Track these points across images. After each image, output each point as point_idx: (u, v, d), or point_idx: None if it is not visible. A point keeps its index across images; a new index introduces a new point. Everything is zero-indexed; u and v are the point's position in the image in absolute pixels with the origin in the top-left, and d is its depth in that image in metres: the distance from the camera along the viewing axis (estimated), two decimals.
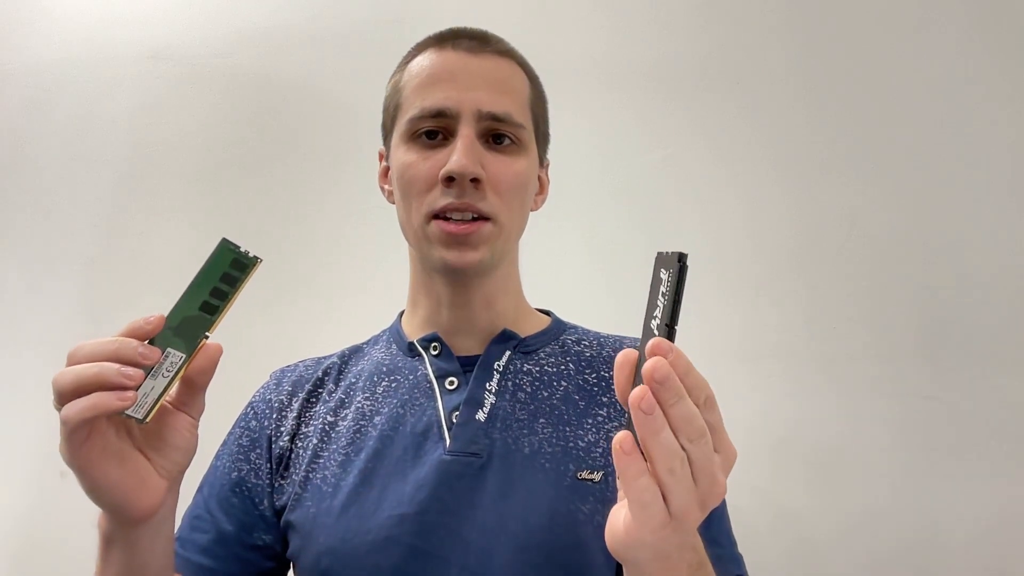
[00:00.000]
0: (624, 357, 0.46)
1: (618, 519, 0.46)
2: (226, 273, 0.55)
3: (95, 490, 0.53)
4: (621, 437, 0.43)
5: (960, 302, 1.20)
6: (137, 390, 0.52)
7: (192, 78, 1.50)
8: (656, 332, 0.45)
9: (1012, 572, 1.12)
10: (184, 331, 0.54)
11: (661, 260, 0.45)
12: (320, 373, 0.79)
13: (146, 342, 0.52)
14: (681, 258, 0.44)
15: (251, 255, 0.56)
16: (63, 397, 0.50)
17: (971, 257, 1.21)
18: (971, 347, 1.18)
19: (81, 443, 0.50)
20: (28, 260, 1.48)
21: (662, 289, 0.45)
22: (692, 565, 0.49)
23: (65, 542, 1.32)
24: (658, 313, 0.45)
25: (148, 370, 0.52)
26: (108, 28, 1.54)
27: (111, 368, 0.50)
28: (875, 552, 1.15)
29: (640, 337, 0.47)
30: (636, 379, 0.45)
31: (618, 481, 0.49)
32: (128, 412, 0.52)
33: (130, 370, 0.50)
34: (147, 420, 0.53)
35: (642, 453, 0.44)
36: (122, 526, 0.56)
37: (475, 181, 0.68)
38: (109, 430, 0.53)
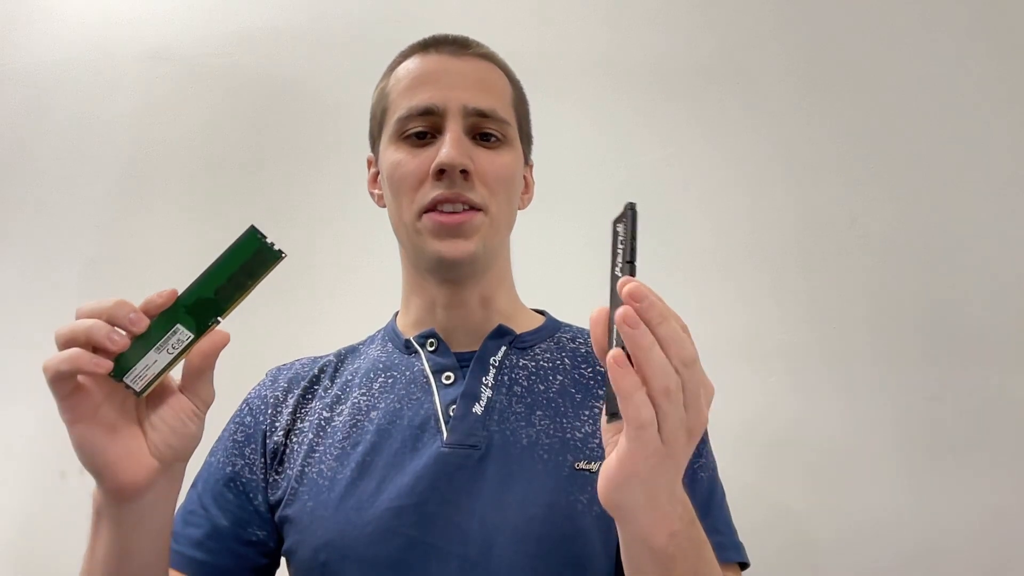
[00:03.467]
0: (598, 313, 0.47)
1: (611, 459, 0.47)
2: (248, 262, 0.55)
3: (78, 448, 0.53)
4: (614, 352, 0.43)
5: (963, 302, 1.20)
6: (138, 362, 0.52)
7: (192, 78, 1.50)
8: (619, 274, 0.47)
9: (1013, 571, 1.12)
10: (196, 311, 0.54)
11: (615, 220, 0.49)
12: (316, 370, 0.79)
13: (159, 315, 0.53)
14: (631, 205, 0.48)
15: (276, 248, 0.55)
16: (57, 347, 0.51)
17: (974, 257, 1.21)
18: (973, 347, 1.18)
19: (64, 396, 0.51)
20: (28, 260, 1.48)
21: (620, 239, 0.48)
22: (684, 519, 0.49)
23: (65, 542, 1.31)
24: (619, 260, 0.47)
25: (152, 344, 0.52)
26: (108, 28, 1.54)
27: (101, 327, 0.50)
28: (876, 551, 1.15)
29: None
30: (611, 334, 0.46)
31: (604, 422, 0.49)
32: (127, 382, 0.52)
33: (116, 334, 0.51)
34: (144, 393, 0.53)
35: None
36: (108, 499, 0.56)
37: (464, 173, 0.69)
38: (98, 392, 0.52)
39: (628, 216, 0.48)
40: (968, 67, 1.26)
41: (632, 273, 0.46)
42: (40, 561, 1.36)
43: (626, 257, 0.47)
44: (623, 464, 0.45)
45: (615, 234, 0.49)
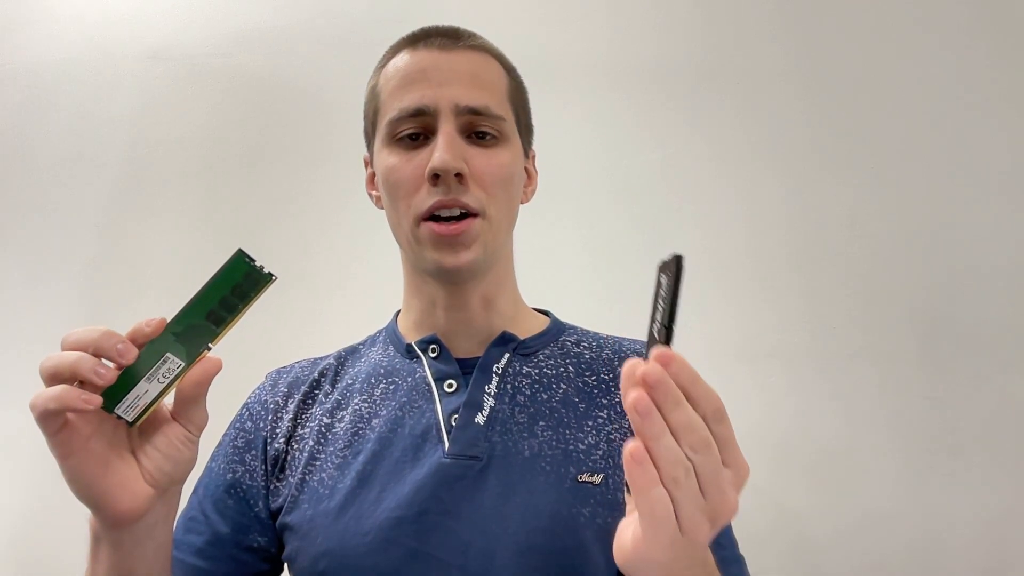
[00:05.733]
0: (630, 368, 0.45)
1: (626, 534, 0.45)
2: (238, 285, 0.53)
3: (71, 482, 0.51)
4: (632, 447, 0.42)
5: (959, 302, 1.20)
6: (129, 392, 0.51)
7: (192, 78, 1.50)
8: (656, 335, 0.45)
9: (1011, 571, 1.12)
10: (187, 339, 0.53)
11: (661, 267, 0.46)
12: (316, 374, 0.78)
13: (148, 344, 0.52)
14: (678, 260, 0.44)
15: (265, 271, 0.54)
16: (43, 382, 0.50)
17: (970, 257, 1.21)
18: (970, 347, 1.18)
19: (54, 432, 0.49)
20: (28, 260, 1.48)
21: (661, 292, 0.45)
22: None
23: (65, 542, 1.32)
24: (658, 316, 0.45)
25: (142, 373, 0.51)
26: (108, 28, 1.54)
27: (87, 361, 0.49)
28: (875, 551, 1.15)
29: (645, 341, 0.47)
30: None
31: (626, 494, 0.48)
32: (118, 412, 0.51)
33: (103, 368, 0.49)
34: (136, 423, 0.52)
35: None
36: (104, 525, 0.55)
37: (459, 176, 0.68)
38: (87, 426, 0.51)
39: (672, 270, 0.44)
40: (966, 67, 1.26)
41: (668, 339, 0.44)
42: (40, 561, 1.36)
43: (664, 320, 0.44)
44: (638, 549, 0.44)
45: (658, 283, 0.46)
